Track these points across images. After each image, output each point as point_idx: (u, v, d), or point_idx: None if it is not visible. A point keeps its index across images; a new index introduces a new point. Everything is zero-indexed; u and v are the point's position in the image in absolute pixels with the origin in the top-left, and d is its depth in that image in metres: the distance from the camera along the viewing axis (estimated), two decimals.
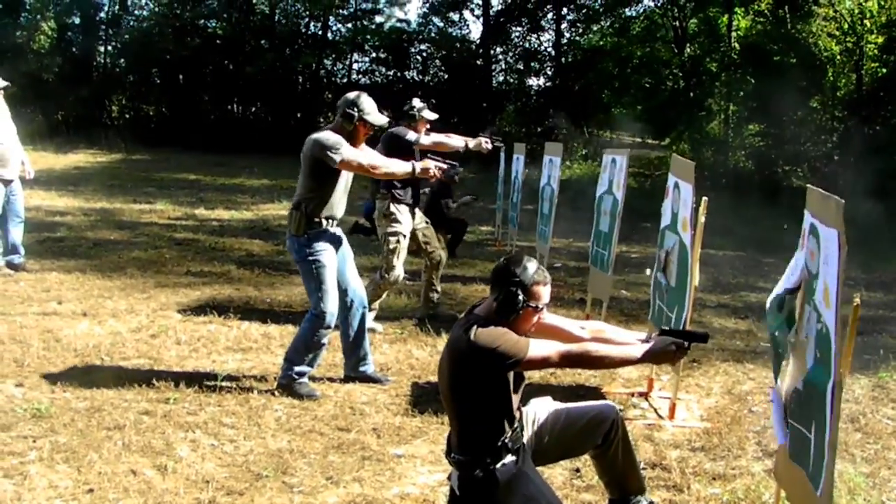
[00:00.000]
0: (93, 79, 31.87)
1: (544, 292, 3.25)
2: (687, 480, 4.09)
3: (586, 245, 12.13)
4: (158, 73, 32.60)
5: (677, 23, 26.56)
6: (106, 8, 33.33)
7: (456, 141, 6.79)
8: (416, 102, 6.98)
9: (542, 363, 3.18)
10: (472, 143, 6.81)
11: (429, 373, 5.71)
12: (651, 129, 30.44)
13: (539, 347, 3.10)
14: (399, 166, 5.31)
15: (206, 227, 12.67)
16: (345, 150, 4.92)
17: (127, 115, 33.34)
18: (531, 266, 3.24)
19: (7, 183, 8.00)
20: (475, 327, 3.09)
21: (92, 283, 7.95)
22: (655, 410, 5.25)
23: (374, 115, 5.14)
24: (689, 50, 26.79)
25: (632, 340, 3.39)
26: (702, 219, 4.92)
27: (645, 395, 5.55)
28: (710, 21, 27.06)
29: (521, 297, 3.16)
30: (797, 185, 22.52)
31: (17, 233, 8.22)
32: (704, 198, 4.92)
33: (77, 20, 32.46)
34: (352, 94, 5.15)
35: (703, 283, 9.62)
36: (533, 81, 31.54)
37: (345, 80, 33.46)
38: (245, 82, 30.54)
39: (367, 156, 5.17)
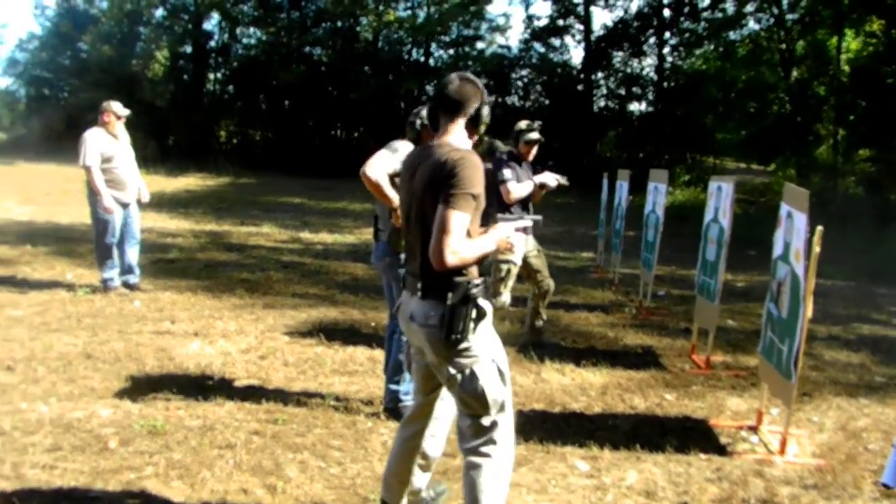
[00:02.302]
0: (203, 105, 32.96)
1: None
2: None
3: (689, 273, 11.96)
4: (265, 99, 33.56)
5: (784, 45, 25.88)
6: (216, 37, 34.49)
7: (526, 188, 6.65)
8: (522, 124, 6.86)
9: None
10: (537, 179, 6.71)
11: (532, 400, 5.66)
12: (756, 155, 29.76)
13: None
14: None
15: (311, 250, 12.90)
16: None
17: (234, 141, 34.40)
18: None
19: (125, 206, 8.32)
20: None
21: (203, 303, 8.18)
22: (765, 445, 5.06)
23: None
24: (796, 73, 26.04)
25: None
26: (816, 249, 4.75)
27: (754, 429, 5.37)
28: (818, 43, 26.33)
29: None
30: None
31: (133, 254, 8.53)
32: (819, 227, 4.74)
33: (189, 49, 33.67)
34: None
35: (814, 314, 9.28)
36: (634, 107, 31.29)
37: None
38: (348, 108, 31.13)
39: None
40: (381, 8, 32.75)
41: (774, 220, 6.22)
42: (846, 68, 25.63)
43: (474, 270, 3.18)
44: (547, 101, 31.85)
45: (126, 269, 8.50)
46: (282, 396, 5.35)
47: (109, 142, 8.18)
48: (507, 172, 6.53)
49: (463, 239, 3.00)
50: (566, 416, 5.40)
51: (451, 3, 32.44)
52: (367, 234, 15.78)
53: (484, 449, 3.19)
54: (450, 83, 3.25)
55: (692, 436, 5.13)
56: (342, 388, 5.66)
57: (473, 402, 3.17)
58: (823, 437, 5.30)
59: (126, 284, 8.49)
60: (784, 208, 5.35)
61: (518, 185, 6.53)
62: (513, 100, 33.59)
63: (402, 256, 3.92)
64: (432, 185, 3.08)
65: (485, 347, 3.16)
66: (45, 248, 11.10)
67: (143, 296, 8.31)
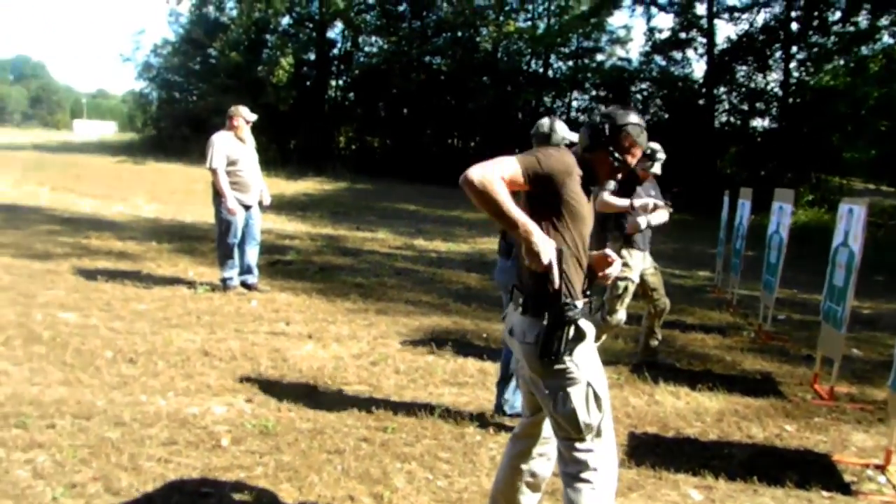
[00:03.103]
0: (324, 111, 33.72)
1: (632, 147, 3.14)
2: None
3: (811, 297, 11.51)
4: (384, 106, 34.09)
5: None
6: (339, 45, 35.26)
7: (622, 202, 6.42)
8: (655, 146, 6.65)
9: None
10: (637, 203, 6.45)
11: (645, 423, 5.50)
12: (887, 175, 28.44)
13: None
14: None
15: (425, 257, 12.96)
16: None
17: (353, 146, 35.07)
18: (633, 116, 3.13)
19: (247, 208, 8.53)
20: None
21: (317, 306, 8.30)
22: (894, 487, 4.75)
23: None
24: None
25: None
26: None
27: (882, 469, 5.05)
28: None
29: (604, 133, 3.08)
30: None
31: (252, 255, 8.73)
32: None
33: (312, 56, 34.50)
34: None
35: None
36: (758, 123, 30.40)
37: (563, 117, 33.59)
38: (466, 117, 31.31)
39: None
40: (501, 19, 32.87)
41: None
42: None
43: (578, 290, 3.09)
44: (667, 116, 31.26)
45: (245, 270, 8.70)
46: (391, 404, 5.34)
47: (236, 145, 8.40)
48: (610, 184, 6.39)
49: (498, 173, 2.89)
50: (679, 442, 5.22)
51: (572, 15, 32.31)
52: (481, 243, 15.81)
53: (583, 475, 3.09)
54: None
55: (813, 471, 4.85)
56: (452, 399, 5.62)
57: (566, 425, 3.08)
58: None
59: (244, 284, 8.69)
60: None
61: (613, 197, 6.30)
62: None
63: None
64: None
65: (581, 370, 3.05)
66: (170, 246, 11.51)
67: (260, 296, 8.49)
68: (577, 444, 3.09)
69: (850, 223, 6.74)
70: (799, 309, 10.75)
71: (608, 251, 3.26)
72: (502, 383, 5.16)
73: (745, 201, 10.86)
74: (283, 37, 33.22)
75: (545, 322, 2.97)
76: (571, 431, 3.07)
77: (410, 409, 5.27)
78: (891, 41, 26.32)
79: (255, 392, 5.36)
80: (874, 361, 8.01)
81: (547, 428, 3.42)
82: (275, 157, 27.82)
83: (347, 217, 19.06)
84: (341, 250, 12.93)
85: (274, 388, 5.49)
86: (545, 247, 2.88)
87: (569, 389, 3.03)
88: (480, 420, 5.17)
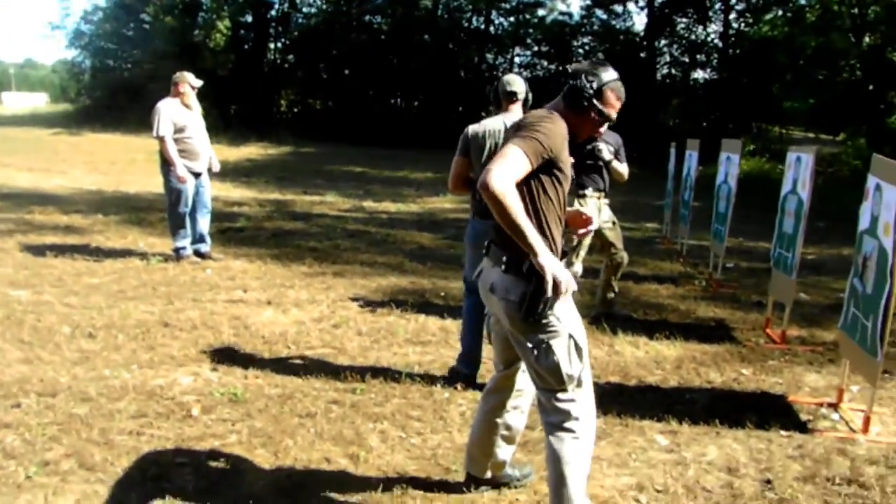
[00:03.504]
0: (264, 75, 33.18)
1: (614, 103, 3.17)
2: (888, 500, 3.83)
3: (757, 245, 11.75)
4: (325, 68, 33.65)
5: (856, 10, 25.06)
6: (276, 6, 34.63)
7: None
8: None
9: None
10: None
11: (608, 373, 5.60)
12: (825, 124, 28.98)
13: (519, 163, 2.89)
14: None
15: (376, 219, 12.93)
16: None
17: (295, 110, 34.62)
18: (612, 71, 3.18)
19: (197, 175, 8.41)
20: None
21: (273, 272, 8.25)
22: (847, 423, 4.92)
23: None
24: (868, 39, 25.23)
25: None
26: None
27: (835, 406, 5.22)
28: (892, 8, 25.44)
29: (589, 91, 3.08)
30: None
31: (204, 223, 8.63)
32: None
33: (249, 18, 33.86)
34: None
35: None
36: (699, 74, 30.68)
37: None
38: (409, 77, 31.07)
39: None
40: None
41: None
42: None
43: (559, 249, 3.14)
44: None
45: (197, 238, 8.60)
46: (357, 366, 5.36)
47: (183, 112, 8.25)
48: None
49: (514, 175, 2.85)
50: (642, 390, 5.33)
51: None
52: (430, 203, 15.83)
53: (566, 424, 3.13)
54: None
55: (771, 412, 5.00)
56: (416, 357, 5.65)
57: (549, 377, 3.11)
58: None
59: (197, 253, 8.60)
60: (872, 180, 5.15)
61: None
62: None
63: None
64: (512, 132, 3.06)
65: (563, 322, 3.09)
66: (116, 217, 11.31)
67: (215, 264, 8.41)
68: (560, 395, 3.13)
69: (799, 171, 6.88)
70: (746, 257, 10.99)
71: (581, 209, 3.29)
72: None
73: (692, 152, 11.00)
74: None
75: (531, 284, 2.98)
76: (554, 383, 3.11)
77: (376, 369, 5.30)
78: None
79: (220, 361, 5.34)
80: (821, 305, 8.24)
81: (521, 381, 3.47)
82: (216, 122, 27.21)
83: (293, 181, 18.89)
84: (291, 215, 12.83)
85: (238, 356, 5.47)
86: (561, 275, 2.90)
87: (551, 342, 3.06)
88: (447, 377, 5.21)
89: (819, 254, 11.49)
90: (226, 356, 5.44)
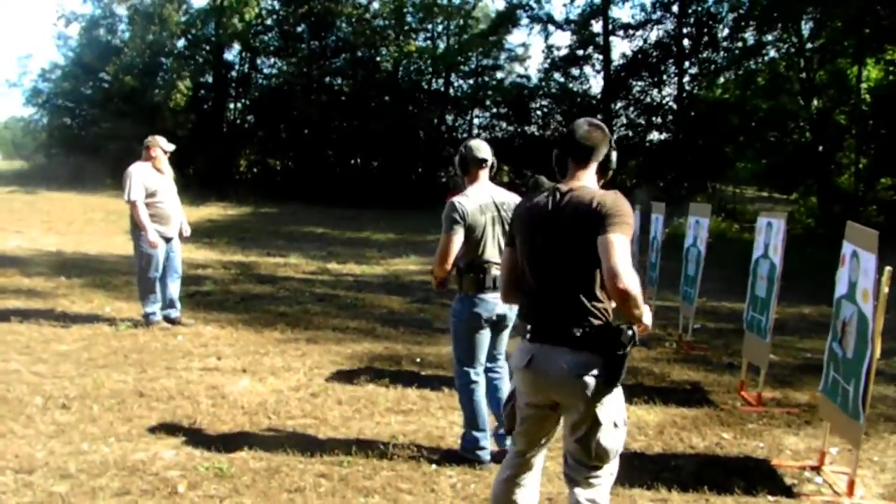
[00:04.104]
0: (223, 134, 33.12)
1: None
2: None
3: (720, 304, 11.88)
4: (285, 128, 33.65)
5: (804, 75, 25.85)
6: (237, 67, 34.72)
7: None
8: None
9: None
10: None
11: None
12: (777, 184, 29.60)
13: None
14: None
15: (343, 282, 12.87)
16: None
17: (255, 170, 34.51)
18: None
19: (168, 240, 8.32)
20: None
21: (246, 338, 8.14)
22: (831, 486, 4.96)
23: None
24: (816, 103, 25.99)
25: None
26: (885, 290, 4.69)
27: (817, 469, 5.27)
28: (838, 72, 26.30)
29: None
30: None
31: (174, 288, 8.51)
32: (888, 268, 4.68)
33: (210, 79, 33.89)
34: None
35: None
36: (654, 136, 31.24)
37: (465, 135, 33.90)
38: (369, 138, 31.22)
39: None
40: (401, 38, 32.95)
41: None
42: (867, 97, 25.61)
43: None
44: (566, 130, 31.75)
45: (168, 304, 8.47)
46: (341, 437, 5.28)
47: (154, 176, 8.21)
48: None
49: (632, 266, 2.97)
50: (627, 457, 5.25)
51: (471, 34, 32.63)
52: (394, 264, 15.81)
53: (598, 499, 3.19)
54: (579, 129, 3.30)
55: (756, 477, 5.02)
56: (399, 427, 5.58)
57: (604, 454, 3.14)
58: (888, 478, 5.20)
59: (167, 319, 8.46)
60: (847, 247, 5.27)
61: None
62: (532, 129, 33.65)
63: None
64: (588, 221, 3.07)
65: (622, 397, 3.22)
66: (80, 280, 11.12)
67: (186, 330, 8.28)
68: (597, 472, 3.20)
69: (770, 236, 7.00)
70: (711, 317, 11.09)
71: None
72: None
73: (658, 215, 11.13)
74: (180, 59, 32.44)
75: (620, 352, 3.06)
76: (605, 458, 3.16)
77: (361, 441, 5.22)
78: (776, 55, 27.48)
79: (201, 433, 5.22)
80: (791, 365, 8.33)
81: (537, 460, 3.45)
82: (176, 182, 27.13)
83: (255, 242, 18.79)
84: (257, 278, 12.73)
85: (219, 428, 5.36)
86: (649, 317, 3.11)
87: (621, 419, 3.17)
88: (431, 448, 5.15)
89: (781, 313, 11.54)
90: (206, 428, 5.33)
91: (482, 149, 4.92)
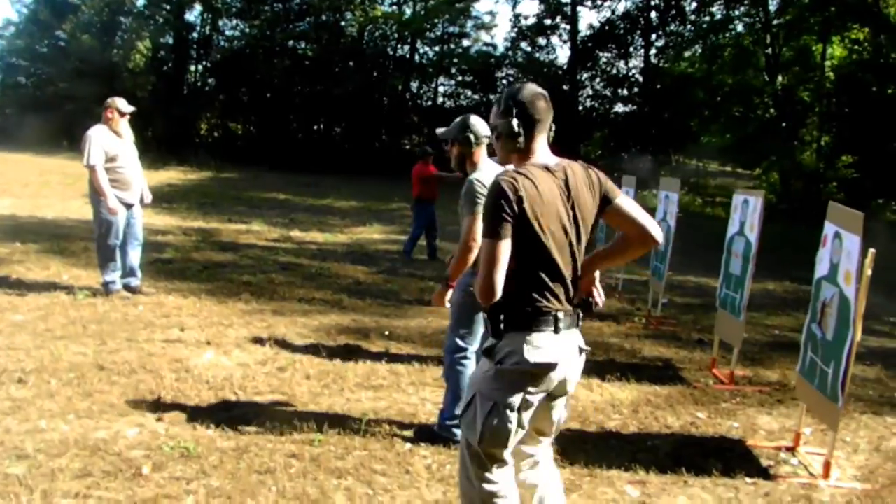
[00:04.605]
0: (183, 97, 32.50)
1: None
2: None
3: (686, 278, 11.88)
4: (247, 92, 33.11)
5: (770, 51, 25.93)
6: (198, 28, 34.02)
7: None
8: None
9: None
10: None
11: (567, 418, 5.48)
12: (740, 159, 29.81)
13: None
14: None
15: (306, 250, 12.63)
16: None
17: (216, 134, 33.95)
18: None
19: (129, 206, 8.03)
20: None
21: (209, 308, 7.91)
22: (806, 468, 4.95)
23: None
24: (781, 79, 26.12)
25: None
26: (868, 272, 4.63)
27: (792, 450, 5.24)
28: (803, 50, 26.44)
29: None
30: (893, 219, 21.75)
31: (135, 256, 8.23)
32: (872, 250, 4.62)
33: (170, 40, 33.18)
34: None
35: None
36: (620, 108, 31.20)
37: (430, 103, 33.61)
38: (332, 103, 30.81)
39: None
40: (367, 3, 32.46)
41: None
42: (831, 75, 25.79)
43: None
44: (526, 99, 31.53)
45: (128, 272, 8.19)
46: (311, 414, 5.12)
47: (114, 140, 7.89)
48: None
49: None
50: (604, 437, 5.24)
51: (438, 0, 32.21)
52: (358, 233, 15.59)
53: None
54: (541, 96, 3.08)
55: (733, 457, 5.01)
56: (370, 404, 5.44)
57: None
58: (861, 459, 5.20)
59: (127, 287, 8.19)
60: (830, 228, 5.20)
61: None
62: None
63: None
64: (596, 194, 3.08)
65: None
66: (36, 246, 10.75)
67: (146, 300, 8.02)
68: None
69: (747, 213, 6.93)
70: (678, 291, 11.09)
71: None
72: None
73: (628, 188, 11.04)
74: (139, 19, 31.67)
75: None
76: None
77: (332, 418, 5.06)
78: (743, 30, 27.52)
79: (165, 409, 5.02)
80: (760, 343, 8.34)
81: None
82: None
83: (216, 208, 18.41)
84: (219, 245, 12.44)
85: (184, 404, 5.16)
86: None
87: None
88: (404, 426, 5.02)
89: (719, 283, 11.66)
90: (170, 404, 5.13)
91: (485, 125, 4.70)
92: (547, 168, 3.00)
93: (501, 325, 2.96)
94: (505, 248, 2.83)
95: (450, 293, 4.45)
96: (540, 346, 2.93)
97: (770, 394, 6.48)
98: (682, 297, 10.83)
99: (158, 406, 5.08)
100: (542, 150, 3.07)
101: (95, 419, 4.79)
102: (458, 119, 4.71)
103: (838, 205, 5.33)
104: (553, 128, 3.15)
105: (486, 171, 4.49)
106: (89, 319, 7.09)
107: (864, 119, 22.29)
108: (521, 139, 3.02)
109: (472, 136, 4.58)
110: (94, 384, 5.38)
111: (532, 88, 3.09)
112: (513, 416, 2.96)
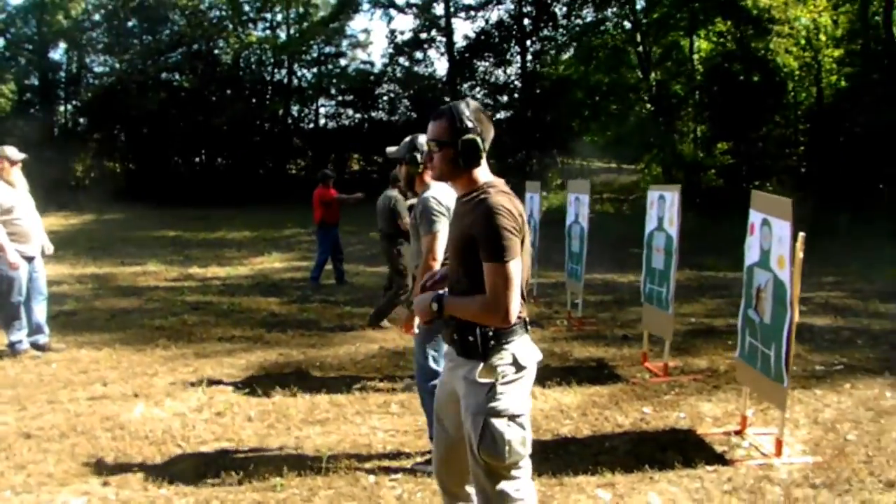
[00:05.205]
0: (54, 139, 31.27)
1: None
2: None
3: (591, 277, 12.01)
4: (122, 129, 32.11)
5: (641, 49, 26.75)
6: (65, 66, 32.81)
7: None
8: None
9: None
10: None
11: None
12: (624, 155, 30.58)
13: None
14: None
15: (211, 287, 12.26)
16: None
17: (93, 174, 32.77)
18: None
19: (30, 260, 7.61)
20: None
21: (128, 358, 7.54)
22: (757, 448, 5.12)
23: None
24: (654, 75, 26.97)
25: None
26: (800, 255, 4.77)
27: (740, 434, 5.40)
28: (672, 45, 27.37)
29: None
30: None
31: (40, 311, 7.80)
32: (802, 234, 4.76)
33: (36, 81, 31.90)
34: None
35: (726, 309, 9.55)
36: (502, 114, 31.48)
37: (312, 126, 33.31)
38: (213, 134, 30.19)
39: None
40: (240, 29, 31.92)
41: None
42: (700, 68, 26.78)
43: None
44: (415, 115, 31.68)
45: (34, 329, 7.73)
46: (264, 457, 4.93)
47: (7, 191, 7.47)
48: None
49: None
50: (562, 443, 5.26)
51: (312, 21, 31.95)
52: (257, 263, 15.29)
53: None
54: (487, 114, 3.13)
55: (688, 448, 5.12)
56: (321, 440, 5.28)
57: None
58: (804, 434, 5.40)
59: (35, 346, 7.72)
60: (756, 216, 5.34)
61: None
62: (380, 115, 33.38)
63: None
64: None
65: None
66: None
67: (58, 356, 7.58)
68: None
69: (664, 209, 7.06)
70: (588, 290, 11.12)
71: None
72: None
73: (533, 194, 11.13)
74: (1, 61, 30.30)
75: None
76: None
77: (287, 459, 4.89)
78: (613, 31, 28.24)
79: (109, 472, 4.71)
80: (680, 332, 8.54)
81: None
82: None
83: (105, 252, 17.66)
84: (120, 290, 11.94)
85: (127, 464, 4.87)
86: None
87: None
88: (363, 458, 4.89)
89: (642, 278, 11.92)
90: (113, 466, 4.83)
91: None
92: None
93: (491, 341, 2.97)
94: (519, 265, 2.90)
95: (417, 319, 4.35)
96: (532, 346, 3.16)
97: (704, 381, 6.68)
98: (593, 295, 10.99)
99: (100, 469, 4.77)
100: (483, 167, 3.10)
101: (35, 493, 4.46)
102: (406, 139, 4.67)
103: (762, 193, 5.50)
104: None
105: (439, 188, 4.42)
106: (1, 384, 6.63)
107: (734, 107, 23.20)
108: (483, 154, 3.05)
109: (419, 156, 4.52)
110: (24, 454, 5.02)
111: (477, 105, 3.13)
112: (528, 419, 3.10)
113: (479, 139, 3.01)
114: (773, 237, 5.07)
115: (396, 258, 8.65)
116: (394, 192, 8.64)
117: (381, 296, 9.34)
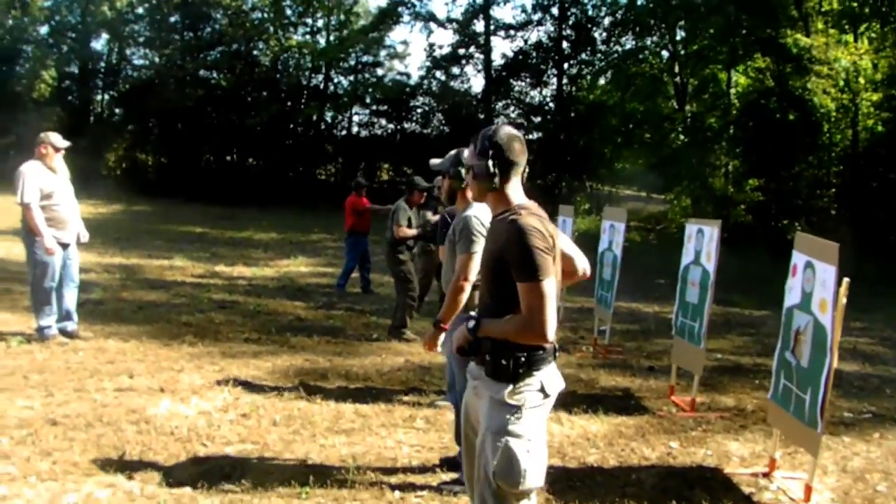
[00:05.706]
0: (89, 128, 31.53)
1: None
2: None
3: (618, 305, 11.89)
4: (157, 123, 32.30)
5: (678, 79, 26.66)
6: (105, 57, 33.12)
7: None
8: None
9: None
10: None
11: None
12: (653, 184, 30.46)
13: None
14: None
15: (237, 286, 12.27)
16: None
17: (124, 165, 32.98)
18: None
19: (65, 246, 7.65)
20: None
21: (155, 352, 7.54)
22: (785, 492, 5.04)
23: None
24: (690, 106, 26.88)
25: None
26: (843, 300, 4.70)
27: (767, 476, 5.32)
28: (708, 78, 27.27)
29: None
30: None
31: (71, 298, 7.83)
32: (846, 279, 4.69)
33: (75, 69, 32.20)
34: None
35: (753, 348, 9.44)
36: (534, 135, 31.47)
37: (344, 132, 33.41)
38: (246, 134, 30.33)
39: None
40: (280, 33, 32.14)
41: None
42: (736, 102, 26.65)
43: None
44: (447, 129, 31.76)
45: (64, 316, 7.76)
46: (289, 464, 4.90)
47: (48, 176, 7.51)
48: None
49: None
50: (588, 473, 5.20)
51: (352, 30, 32.11)
52: (283, 266, 15.30)
53: None
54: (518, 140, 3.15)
55: (715, 486, 5.06)
56: (347, 450, 5.24)
57: None
58: (832, 481, 5.31)
59: (64, 332, 7.75)
60: (800, 258, 5.28)
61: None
62: (413, 127, 33.45)
63: None
64: None
65: None
66: None
67: (85, 345, 7.60)
68: None
69: (702, 243, 7.00)
70: (614, 318, 11.09)
71: None
72: None
73: (566, 218, 11.07)
74: (43, 48, 30.61)
75: None
76: None
77: (312, 468, 4.85)
78: (652, 60, 28.19)
79: (133, 466, 4.69)
80: (707, 368, 8.35)
81: None
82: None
83: (133, 243, 17.75)
84: (147, 283, 11.99)
85: (152, 459, 4.86)
86: None
87: None
88: (388, 471, 4.85)
89: (671, 314, 11.82)
90: (138, 460, 4.82)
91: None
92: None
93: (522, 368, 2.99)
94: (553, 284, 2.92)
95: (442, 336, 4.30)
96: (558, 375, 3.19)
97: (731, 419, 6.58)
98: (619, 323, 10.87)
99: (125, 463, 4.76)
100: (516, 190, 3.13)
101: (61, 481, 4.45)
102: (451, 152, 4.61)
103: (808, 235, 5.43)
104: (527, 169, 3.18)
105: (481, 208, 4.36)
106: (29, 369, 6.66)
107: (768, 144, 23.04)
108: (497, 180, 3.09)
109: (464, 171, 4.47)
110: (50, 441, 5.03)
111: (508, 130, 3.16)
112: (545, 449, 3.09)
113: (490, 163, 3.06)
114: (815, 280, 5.01)
115: (397, 264, 9.03)
116: (400, 201, 9.28)
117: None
